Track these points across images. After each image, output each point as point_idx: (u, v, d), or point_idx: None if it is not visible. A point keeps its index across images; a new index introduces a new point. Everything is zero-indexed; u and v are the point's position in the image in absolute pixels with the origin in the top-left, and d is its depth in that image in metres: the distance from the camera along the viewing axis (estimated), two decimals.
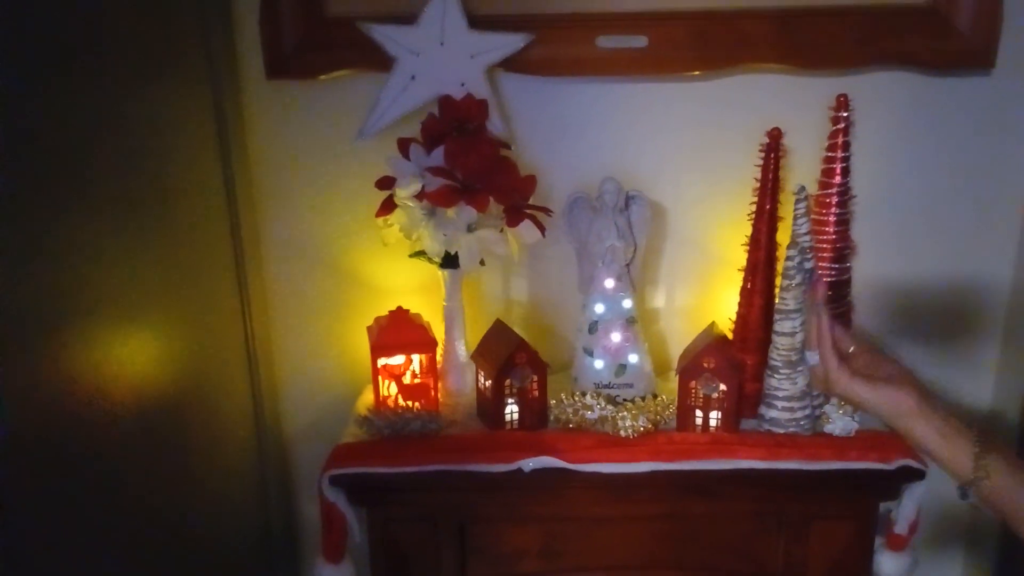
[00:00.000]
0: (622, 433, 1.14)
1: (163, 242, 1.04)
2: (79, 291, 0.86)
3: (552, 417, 1.18)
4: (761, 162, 1.16)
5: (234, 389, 1.26)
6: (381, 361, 1.19)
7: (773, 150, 1.15)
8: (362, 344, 1.23)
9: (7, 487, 0.74)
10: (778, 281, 1.15)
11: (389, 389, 1.20)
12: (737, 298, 1.24)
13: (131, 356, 0.96)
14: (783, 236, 1.18)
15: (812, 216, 1.16)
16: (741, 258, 1.23)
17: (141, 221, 0.99)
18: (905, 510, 1.13)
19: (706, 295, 1.35)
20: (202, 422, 1.15)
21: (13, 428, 0.74)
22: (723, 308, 1.30)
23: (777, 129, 1.14)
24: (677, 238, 1.32)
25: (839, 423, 1.15)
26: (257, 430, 1.32)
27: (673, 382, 1.25)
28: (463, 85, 1.19)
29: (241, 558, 1.28)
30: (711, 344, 1.14)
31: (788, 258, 1.09)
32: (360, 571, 1.18)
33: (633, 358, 1.21)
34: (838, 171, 1.19)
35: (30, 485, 0.77)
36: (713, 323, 1.21)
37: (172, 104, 1.08)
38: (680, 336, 1.35)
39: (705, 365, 1.13)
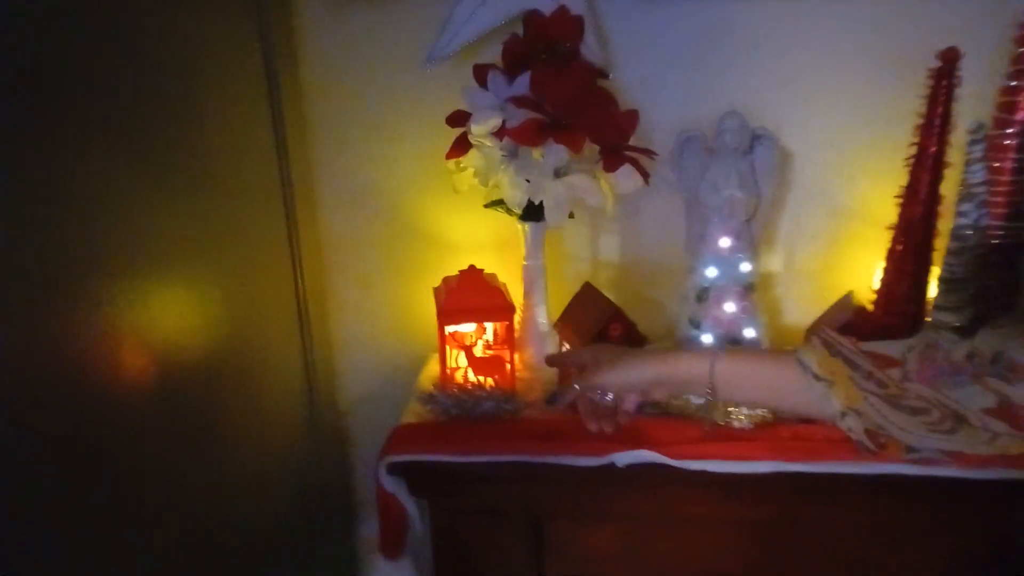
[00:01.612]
0: (735, 424, 0.95)
1: (201, 189, 0.91)
2: (103, 245, 0.73)
3: (650, 402, 0.99)
4: (927, 93, 0.93)
5: (283, 356, 1.12)
6: (449, 328, 1.04)
7: (946, 76, 0.91)
8: (428, 308, 1.08)
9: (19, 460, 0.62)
10: (938, 243, 0.93)
11: (458, 361, 1.06)
12: (878, 263, 1.03)
13: (162, 319, 0.83)
14: (946, 187, 0.95)
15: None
16: (887, 213, 1.02)
17: (174, 165, 0.85)
18: None
19: (835, 258, 1.14)
20: (245, 393, 1.02)
21: (16, 394, 0.62)
22: (856, 274, 1.11)
23: (954, 50, 0.90)
24: (803, 188, 1.12)
25: None
26: (310, 402, 1.19)
27: None
28: None
29: (289, 545, 1.15)
30: (851, 319, 0.93)
31: (961, 214, 0.88)
32: (421, 566, 1.02)
33: (749, 332, 1.01)
34: (1022, 105, 0.94)
35: (40, 458, 0.65)
36: (850, 293, 1.00)
37: (210, 31, 0.93)
38: (799, 307, 1.17)
39: None
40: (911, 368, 0.66)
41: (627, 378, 0.76)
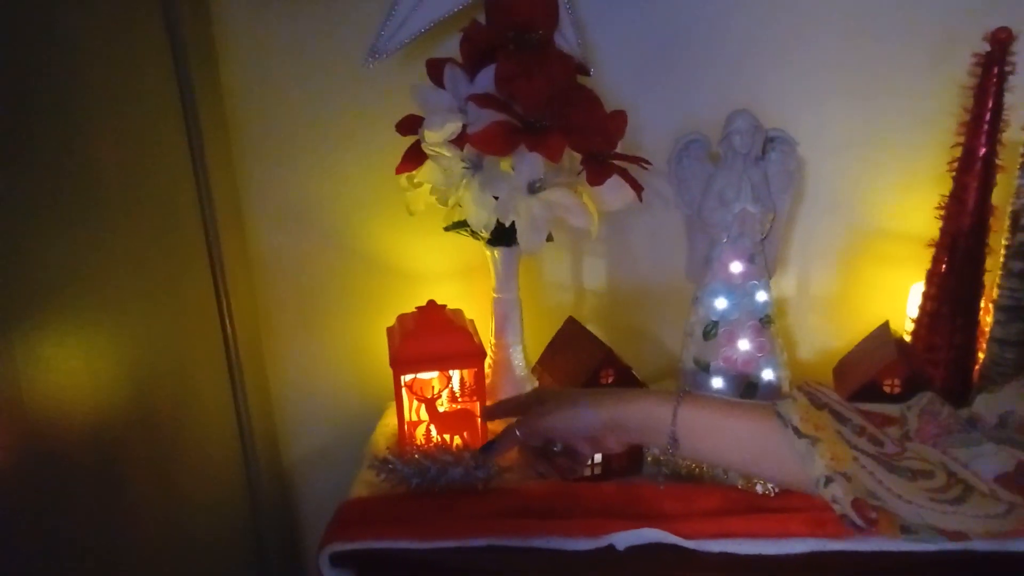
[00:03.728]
0: (759, 488, 0.78)
1: (96, 212, 0.72)
2: None
3: (648, 459, 0.83)
4: (973, 84, 0.78)
5: (209, 413, 0.94)
6: (406, 378, 0.87)
7: (997, 63, 0.76)
8: (381, 348, 0.91)
9: None
10: (991, 262, 0.78)
11: (418, 414, 0.89)
12: (912, 285, 0.90)
13: (45, 380, 0.64)
14: (999, 195, 0.81)
15: None
16: (921, 227, 0.88)
17: (60, 182, 0.67)
18: None
19: (857, 281, 1.00)
20: (161, 464, 0.83)
21: None
22: (884, 300, 0.97)
23: (1006, 30, 0.76)
24: (817, 199, 0.98)
25: None
26: (246, 465, 1.00)
27: None
28: None
29: None
30: (895, 358, 0.77)
31: (1022, 228, 0.72)
32: None
33: (767, 374, 0.84)
34: None
35: None
36: (887, 323, 0.84)
37: (106, 25, 0.75)
38: (815, 339, 1.01)
39: (887, 388, 0.76)
40: (911, 426, 0.57)
41: (576, 423, 0.65)
